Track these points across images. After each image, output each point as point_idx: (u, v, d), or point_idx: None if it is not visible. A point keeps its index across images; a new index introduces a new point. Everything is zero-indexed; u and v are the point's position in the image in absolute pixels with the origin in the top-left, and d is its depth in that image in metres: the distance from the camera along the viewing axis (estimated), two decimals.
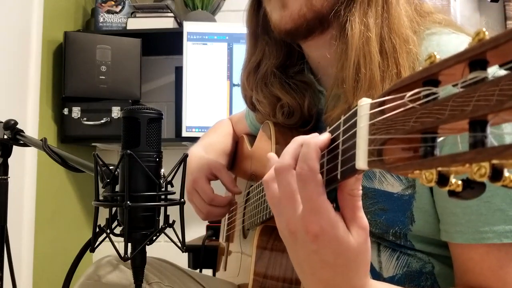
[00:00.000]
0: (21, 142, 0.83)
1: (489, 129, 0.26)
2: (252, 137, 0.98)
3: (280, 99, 0.79)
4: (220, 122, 1.14)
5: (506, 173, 0.25)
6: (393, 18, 0.65)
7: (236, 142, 1.07)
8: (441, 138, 0.30)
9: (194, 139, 1.49)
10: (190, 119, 1.94)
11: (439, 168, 0.29)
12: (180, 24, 2.12)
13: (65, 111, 1.92)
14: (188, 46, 1.96)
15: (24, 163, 1.71)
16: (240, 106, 0.93)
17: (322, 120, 0.76)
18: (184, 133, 1.93)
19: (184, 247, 0.58)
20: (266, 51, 0.81)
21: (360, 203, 0.45)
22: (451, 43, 0.65)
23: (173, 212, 0.57)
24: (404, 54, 0.63)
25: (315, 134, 0.46)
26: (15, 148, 0.86)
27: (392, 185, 0.66)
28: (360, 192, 0.44)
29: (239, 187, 0.95)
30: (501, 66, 0.26)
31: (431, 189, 0.64)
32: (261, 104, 0.82)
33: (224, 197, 0.92)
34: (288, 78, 0.80)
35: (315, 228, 0.43)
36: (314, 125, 0.78)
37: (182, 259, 1.18)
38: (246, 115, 1.06)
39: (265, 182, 0.50)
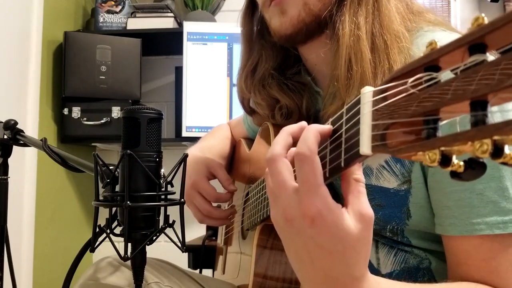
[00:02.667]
0: (21, 142, 0.83)
1: (489, 109, 0.27)
2: (250, 141, 0.98)
3: (278, 100, 0.80)
4: (218, 127, 1.15)
5: (507, 150, 0.26)
6: (383, 15, 0.67)
7: (234, 146, 1.07)
8: (443, 122, 0.31)
9: (194, 139, 1.49)
10: (190, 119, 1.94)
11: (442, 148, 0.29)
12: (180, 24, 2.12)
13: (65, 111, 1.92)
14: (188, 46, 1.96)
15: (24, 163, 1.71)
16: (240, 106, 0.93)
17: (320, 121, 0.77)
18: (184, 133, 1.93)
19: (184, 247, 0.58)
20: (262, 55, 0.82)
21: (364, 189, 0.45)
22: (444, 40, 0.66)
23: (173, 212, 0.57)
24: (396, 50, 0.64)
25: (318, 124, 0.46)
26: (15, 148, 0.86)
27: (389, 180, 0.67)
28: (363, 178, 0.45)
29: (238, 191, 0.95)
30: (499, 49, 0.26)
31: (426, 184, 0.65)
32: (259, 107, 0.83)
33: (227, 194, 0.92)
34: (285, 80, 0.81)
35: (312, 211, 0.42)
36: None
37: (182, 259, 1.18)
38: (244, 120, 1.06)
39: (266, 174, 0.50)
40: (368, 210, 0.44)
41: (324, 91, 0.75)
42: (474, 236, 0.59)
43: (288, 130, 0.49)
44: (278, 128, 0.79)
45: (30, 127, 1.74)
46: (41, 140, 0.75)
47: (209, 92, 1.96)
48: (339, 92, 0.67)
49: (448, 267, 0.64)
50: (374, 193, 0.68)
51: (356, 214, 0.44)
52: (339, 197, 0.46)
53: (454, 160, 0.29)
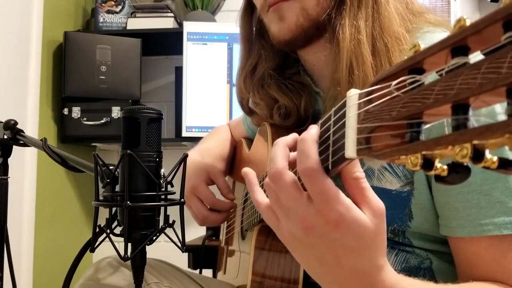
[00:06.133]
0: (21, 142, 0.83)
1: (471, 112, 0.26)
2: (251, 141, 0.98)
3: (277, 100, 0.80)
4: (218, 128, 1.14)
5: (488, 155, 0.26)
6: (383, 17, 0.66)
7: (235, 146, 1.07)
8: (428, 125, 0.30)
9: (194, 139, 1.49)
10: (190, 119, 1.94)
11: (424, 152, 0.29)
12: (180, 24, 2.12)
13: (65, 111, 1.92)
14: (188, 46, 1.96)
15: (24, 163, 1.71)
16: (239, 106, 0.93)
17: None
18: (184, 133, 1.93)
19: (184, 247, 0.58)
20: (262, 55, 0.82)
21: (366, 184, 0.45)
22: None
23: (173, 212, 0.57)
24: (397, 53, 0.64)
25: (306, 131, 0.46)
26: (15, 148, 0.86)
27: (391, 182, 0.66)
28: (363, 173, 0.45)
29: (239, 191, 0.95)
30: (482, 51, 0.26)
31: (429, 185, 0.65)
32: (258, 106, 0.83)
33: (226, 202, 0.92)
34: (284, 79, 0.80)
35: (334, 216, 0.43)
36: (309, 125, 0.79)
37: (182, 259, 1.18)
38: (244, 120, 1.06)
39: (268, 187, 0.49)
40: (379, 204, 0.45)
41: (325, 93, 0.75)
42: (483, 237, 0.59)
43: (283, 142, 0.49)
44: (276, 128, 0.79)
45: (30, 127, 1.74)
46: (41, 140, 0.75)
47: (209, 92, 1.96)
48: (340, 96, 0.67)
49: (457, 269, 0.64)
50: (376, 194, 0.68)
51: (369, 210, 0.45)
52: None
53: (437, 164, 0.29)
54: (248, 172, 0.53)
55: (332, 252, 0.46)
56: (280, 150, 0.48)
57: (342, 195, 0.44)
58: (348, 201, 0.44)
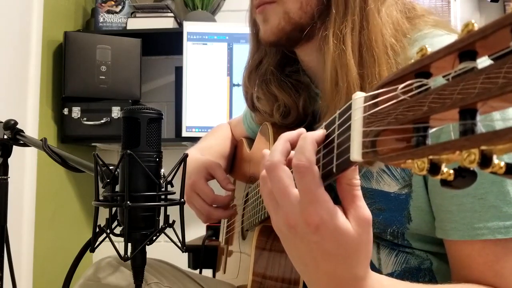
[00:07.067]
0: (21, 142, 0.83)
1: (478, 117, 0.26)
2: (251, 140, 0.98)
3: (277, 98, 0.80)
4: (219, 126, 1.15)
5: (495, 160, 0.25)
6: (372, 27, 0.64)
7: (235, 145, 1.07)
8: (434, 129, 0.30)
9: (194, 139, 1.49)
10: (190, 119, 1.94)
11: (431, 157, 0.29)
12: (180, 24, 2.12)
13: (65, 111, 1.92)
14: (188, 46, 1.96)
15: (24, 163, 1.71)
16: (240, 106, 0.93)
17: (317, 121, 0.77)
18: (184, 133, 1.93)
19: (184, 247, 0.58)
20: (267, 51, 0.83)
21: (359, 192, 0.45)
22: (443, 43, 0.65)
23: (173, 212, 0.57)
24: (384, 66, 0.63)
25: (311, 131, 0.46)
26: (15, 148, 0.86)
27: (389, 184, 0.66)
28: (358, 181, 0.45)
29: (239, 190, 0.95)
30: (489, 56, 0.26)
31: (427, 187, 0.64)
32: (260, 102, 0.84)
33: (225, 196, 0.92)
34: (285, 77, 0.81)
35: (315, 219, 0.43)
36: (308, 124, 0.79)
37: (182, 259, 1.18)
38: (244, 119, 1.06)
39: (261, 178, 0.50)
40: (366, 213, 0.45)
41: (321, 97, 0.75)
42: (476, 240, 0.59)
43: (286, 136, 0.49)
44: (277, 128, 0.80)
45: (30, 127, 1.74)
46: (41, 140, 0.75)
47: (209, 92, 1.96)
48: (328, 109, 0.67)
49: (451, 270, 0.64)
50: (375, 196, 0.68)
51: (355, 218, 0.44)
52: (339, 197, 0.46)
53: (444, 168, 0.29)
54: (265, 153, 0.53)
55: (310, 255, 0.46)
56: (280, 144, 0.48)
57: (328, 200, 0.43)
58: (332, 207, 0.43)
